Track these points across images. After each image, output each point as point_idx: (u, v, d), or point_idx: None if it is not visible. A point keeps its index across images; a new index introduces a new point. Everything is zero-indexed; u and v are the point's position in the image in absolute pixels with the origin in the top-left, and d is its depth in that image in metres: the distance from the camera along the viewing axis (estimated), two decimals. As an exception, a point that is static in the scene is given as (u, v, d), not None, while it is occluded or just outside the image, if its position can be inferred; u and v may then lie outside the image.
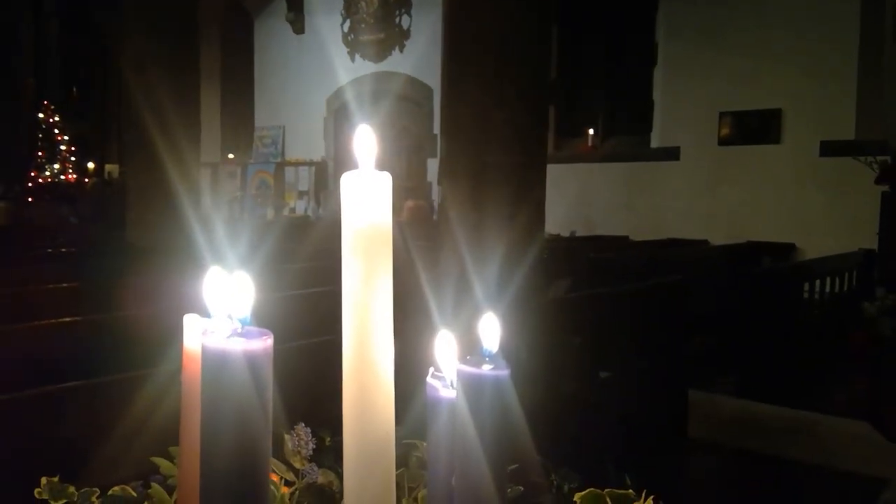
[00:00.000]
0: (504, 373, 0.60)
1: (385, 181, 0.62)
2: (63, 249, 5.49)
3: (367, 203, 0.61)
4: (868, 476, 3.47)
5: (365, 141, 0.63)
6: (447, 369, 0.70)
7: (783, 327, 5.00)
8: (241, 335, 0.48)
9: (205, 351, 0.47)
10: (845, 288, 6.11)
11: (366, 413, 0.61)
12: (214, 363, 0.47)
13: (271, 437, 0.49)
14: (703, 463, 3.82)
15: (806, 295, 5.53)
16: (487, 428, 0.59)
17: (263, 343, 0.48)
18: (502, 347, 0.62)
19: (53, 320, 2.23)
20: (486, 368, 0.60)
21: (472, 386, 0.59)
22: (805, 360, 5.13)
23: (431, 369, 0.74)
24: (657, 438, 3.67)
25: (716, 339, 5.22)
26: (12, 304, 2.66)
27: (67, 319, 2.28)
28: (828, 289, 5.76)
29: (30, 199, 10.81)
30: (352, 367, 0.61)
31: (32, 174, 11.23)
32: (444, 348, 0.72)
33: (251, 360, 0.47)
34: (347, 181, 0.61)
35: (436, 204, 9.83)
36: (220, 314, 0.54)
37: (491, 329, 0.62)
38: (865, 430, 3.99)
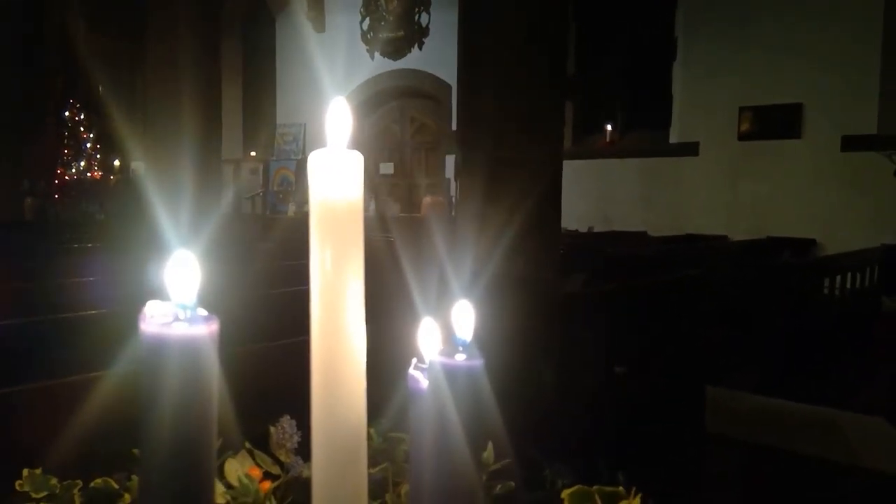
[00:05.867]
0: (477, 363, 0.56)
1: (357, 160, 0.59)
2: (89, 245, 5.55)
3: (336, 183, 0.58)
4: (890, 474, 3.40)
5: (338, 115, 0.59)
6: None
7: (803, 323, 4.93)
8: (184, 321, 0.45)
9: (141, 337, 0.44)
10: (867, 283, 6.02)
11: (334, 400, 0.58)
12: (151, 351, 0.44)
13: (216, 432, 0.46)
14: (720, 459, 3.77)
15: (826, 290, 5.45)
16: (460, 422, 0.56)
17: (207, 329, 0.45)
18: (476, 336, 0.58)
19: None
20: (460, 358, 0.56)
21: (443, 377, 0.56)
22: (825, 356, 5.05)
23: (414, 360, 0.71)
24: (674, 434, 3.62)
25: (734, 334, 5.15)
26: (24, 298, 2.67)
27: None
28: (849, 284, 5.68)
29: (56, 196, 10.90)
30: (320, 358, 0.58)
31: (58, 171, 11.32)
32: (428, 337, 0.69)
33: (191, 347, 0.44)
34: (315, 159, 0.58)
35: (454, 200, 9.81)
36: (178, 299, 0.51)
37: (465, 317, 0.58)
38: (886, 426, 3.92)
